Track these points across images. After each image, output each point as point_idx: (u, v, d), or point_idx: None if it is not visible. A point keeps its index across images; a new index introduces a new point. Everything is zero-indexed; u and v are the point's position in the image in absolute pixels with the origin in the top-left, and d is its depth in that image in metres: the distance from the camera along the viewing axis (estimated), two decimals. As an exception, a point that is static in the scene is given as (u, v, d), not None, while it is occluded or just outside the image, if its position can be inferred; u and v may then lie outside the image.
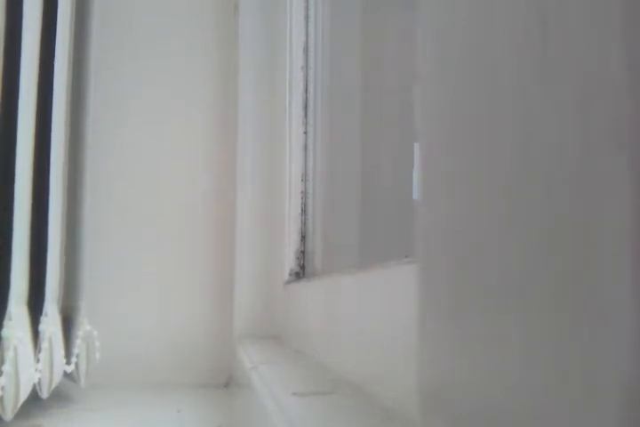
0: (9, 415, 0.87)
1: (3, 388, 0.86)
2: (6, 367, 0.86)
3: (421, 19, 0.25)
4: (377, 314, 0.54)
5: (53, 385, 0.98)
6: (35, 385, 0.92)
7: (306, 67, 1.14)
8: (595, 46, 0.15)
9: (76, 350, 1.05)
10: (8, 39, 0.93)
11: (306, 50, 1.15)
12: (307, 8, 1.16)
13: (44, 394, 0.95)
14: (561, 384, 0.16)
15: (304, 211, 1.12)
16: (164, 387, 1.23)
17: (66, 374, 1.04)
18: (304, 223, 1.12)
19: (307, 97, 1.13)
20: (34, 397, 0.94)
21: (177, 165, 1.34)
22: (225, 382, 1.28)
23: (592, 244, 0.15)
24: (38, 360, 0.93)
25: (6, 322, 0.88)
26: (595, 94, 0.15)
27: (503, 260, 0.19)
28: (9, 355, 0.87)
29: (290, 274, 1.13)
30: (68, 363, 1.02)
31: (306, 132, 1.12)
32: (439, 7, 0.23)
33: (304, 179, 1.12)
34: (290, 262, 1.14)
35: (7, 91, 0.93)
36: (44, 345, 0.94)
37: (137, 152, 1.33)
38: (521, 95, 0.18)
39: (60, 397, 1.08)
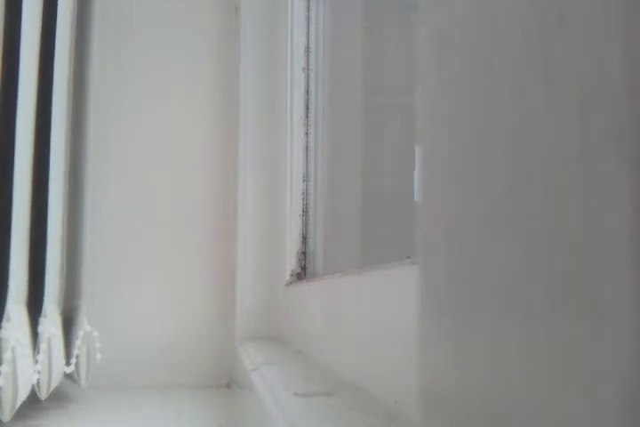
0: (7, 416, 0.87)
1: (0, 389, 0.86)
2: (4, 368, 0.86)
3: (422, 19, 0.25)
4: (378, 315, 0.54)
5: (52, 386, 0.97)
6: (33, 386, 0.92)
7: (307, 68, 1.14)
8: (595, 47, 0.15)
9: (76, 351, 1.05)
10: (6, 50, 0.94)
11: (307, 51, 1.15)
12: (308, 9, 1.16)
13: (43, 395, 0.95)
14: (561, 384, 0.16)
15: (305, 212, 1.12)
16: (165, 388, 1.23)
17: (67, 375, 1.04)
18: (305, 224, 1.12)
19: (308, 98, 1.13)
20: (33, 398, 0.94)
21: (178, 165, 1.34)
22: (226, 382, 1.28)
23: (592, 244, 0.15)
24: (37, 362, 0.93)
25: (4, 323, 0.88)
26: (595, 95, 0.15)
27: (503, 260, 0.19)
28: (7, 356, 0.87)
29: (291, 275, 1.13)
30: (68, 364, 1.02)
31: (307, 133, 1.12)
32: (439, 8, 0.23)
33: (305, 180, 1.12)
34: (291, 263, 1.14)
35: (7, 97, 0.93)
36: (43, 346, 0.94)
37: (137, 152, 1.33)
38: (521, 96, 0.18)
39: (60, 398, 1.08)
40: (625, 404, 0.14)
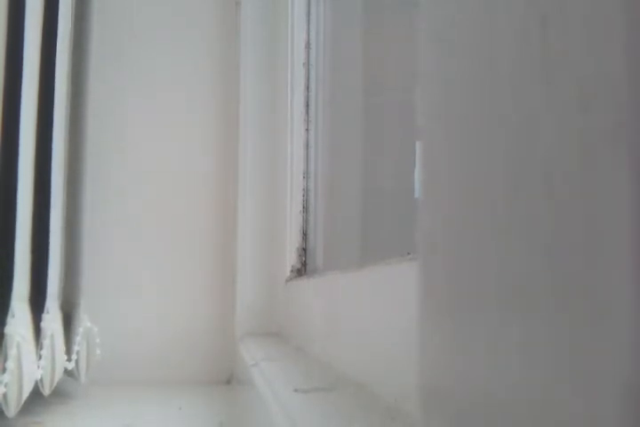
0: (12, 412, 0.87)
1: (6, 385, 0.86)
2: (9, 364, 0.86)
3: (422, 17, 0.25)
4: (379, 311, 0.54)
5: (55, 382, 0.98)
6: (37, 382, 0.92)
7: (307, 64, 1.14)
8: (595, 46, 0.15)
9: (76, 347, 1.05)
10: (9, 52, 0.94)
11: (307, 46, 1.15)
12: (308, 4, 1.16)
13: (47, 391, 0.96)
14: (561, 384, 0.16)
15: (305, 208, 1.12)
16: (165, 384, 1.24)
17: (66, 371, 1.04)
18: (305, 220, 1.12)
19: (308, 94, 1.13)
20: (35, 393, 0.94)
21: (177, 162, 1.34)
22: (226, 378, 1.28)
23: (592, 244, 0.15)
24: (40, 357, 0.93)
25: (9, 319, 0.89)
26: (595, 94, 0.15)
27: (503, 259, 0.19)
28: (12, 352, 0.87)
29: (291, 271, 1.14)
30: (69, 360, 1.03)
31: (308, 130, 1.12)
32: (439, 7, 0.23)
33: (306, 176, 1.12)
34: (291, 259, 1.14)
35: (10, 99, 0.93)
36: (46, 342, 0.95)
37: (137, 148, 1.33)
38: (521, 95, 0.18)
39: (60, 393, 1.08)
40: (625, 404, 0.14)
